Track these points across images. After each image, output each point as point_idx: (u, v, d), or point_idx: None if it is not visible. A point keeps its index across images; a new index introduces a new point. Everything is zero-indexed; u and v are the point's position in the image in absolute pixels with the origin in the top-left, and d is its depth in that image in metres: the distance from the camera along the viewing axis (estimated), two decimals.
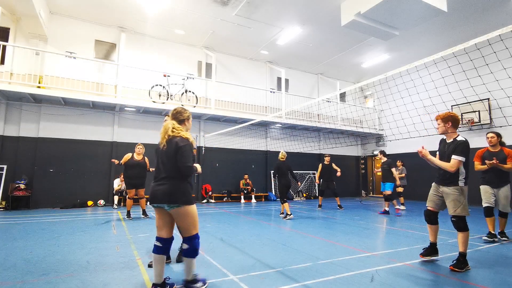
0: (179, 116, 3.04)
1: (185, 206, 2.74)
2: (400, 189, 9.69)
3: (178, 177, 2.76)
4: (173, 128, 2.89)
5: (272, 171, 13.27)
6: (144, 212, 7.40)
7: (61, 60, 9.67)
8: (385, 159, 8.81)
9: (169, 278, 2.88)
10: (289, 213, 7.58)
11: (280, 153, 8.09)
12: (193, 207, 2.83)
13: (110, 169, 10.26)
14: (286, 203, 7.67)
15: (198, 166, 3.00)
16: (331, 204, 10.93)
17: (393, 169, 8.58)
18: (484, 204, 5.01)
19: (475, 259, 3.97)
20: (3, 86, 8.21)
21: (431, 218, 3.82)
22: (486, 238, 5.01)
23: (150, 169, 7.17)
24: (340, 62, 13.58)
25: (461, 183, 3.57)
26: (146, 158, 7.31)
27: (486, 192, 5.04)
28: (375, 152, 15.65)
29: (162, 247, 2.78)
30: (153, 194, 2.78)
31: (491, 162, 4.89)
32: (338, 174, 9.73)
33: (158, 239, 2.81)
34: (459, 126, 3.91)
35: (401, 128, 7.49)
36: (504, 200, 4.94)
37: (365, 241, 5.02)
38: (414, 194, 12.42)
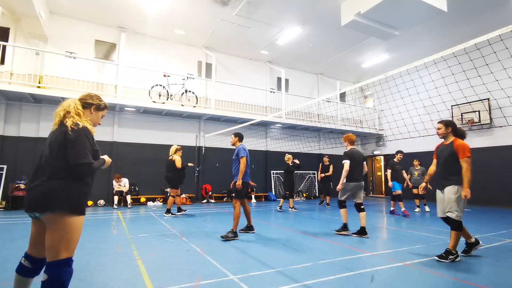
0: (87, 99, 2.34)
1: (63, 214, 1.99)
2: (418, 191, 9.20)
3: (61, 176, 2.03)
4: (68, 110, 2.16)
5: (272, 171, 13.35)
6: (179, 209, 8.02)
7: (61, 60, 9.66)
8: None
9: None
10: (280, 206, 9.26)
11: (285, 156, 9.52)
12: (77, 219, 2.06)
13: (110, 169, 10.23)
14: (281, 199, 9.45)
15: (106, 159, 2.36)
16: (332, 204, 10.92)
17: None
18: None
19: (475, 259, 3.97)
20: (3, 86, 8.21)
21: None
22: (464, 252, 4.06)
23: (189, 164, 8.35)
24: (340, 62, 13.58)
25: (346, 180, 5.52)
26: (175, 157, 7.82)
27: (437, 199, 4.12)
28: (375, 152, 15.66)
29: (31, 268, 2.14)
30: (27, 198, 2.07)
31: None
32: (329, 173, 10.62)
33: (27, 257, 2.15)
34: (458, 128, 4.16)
35: (401, 128, 7.48)
36: (445, 203, 3.91)
37: (365, 241, 5.02)
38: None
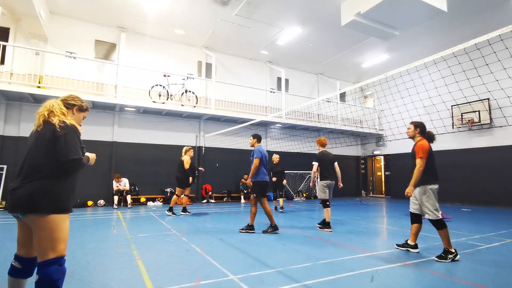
0: (69, 100, 2.37)
1: (46, 214, 1.98)
2: None
3: (44, 177, 2.02)
4: (52, 110, 2.18)
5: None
6: (184, 209, 8.14)
7: (61, 60, 9.66)
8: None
9: None
10: (282, 207, 9.24)
11: (273, 155, 9.45)
12: (61, 218, 2.04)
13: (110, 169, 10.26)
14: (278, 200, 9.33)
15: (91, 156, 2.39)
16: (333, 203, 10.91)
17: None
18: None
19: (476, 259, 3.97)
20: (3, 86, 8.21)
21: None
22: (397, 245, 4.45)
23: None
24: (340, 62, 13.58)
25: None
26: (184, 158, 8.02)
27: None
28: (375, 152, 15.66)
29: (21, 269, 2.13)
30: (10, 199, 2.05)
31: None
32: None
33: (16, 258, 2.16)
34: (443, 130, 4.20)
35: (401, 128, 7.45)
36: (420, 205, 4.08)
37: (365, 241, 5.02)
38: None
